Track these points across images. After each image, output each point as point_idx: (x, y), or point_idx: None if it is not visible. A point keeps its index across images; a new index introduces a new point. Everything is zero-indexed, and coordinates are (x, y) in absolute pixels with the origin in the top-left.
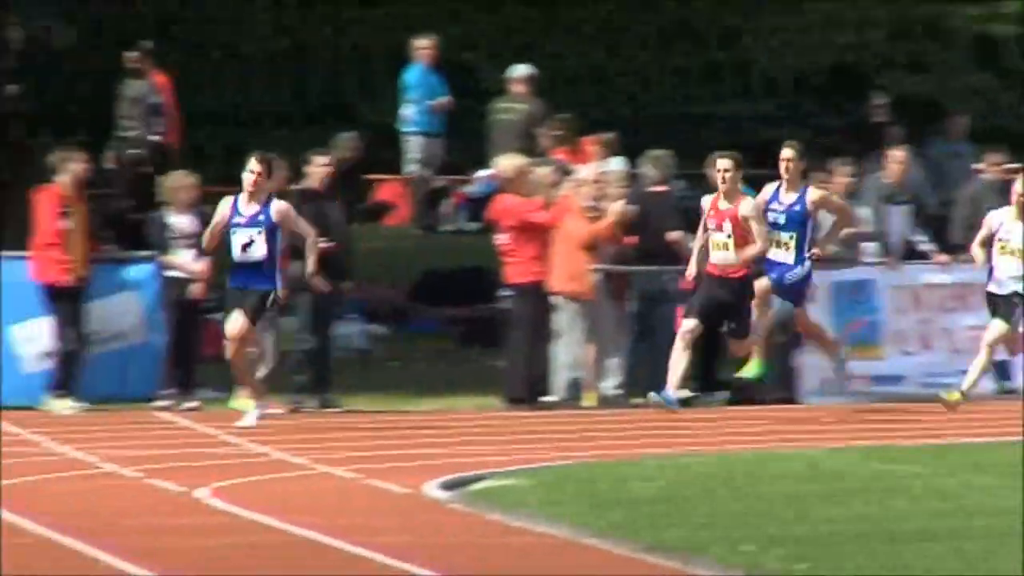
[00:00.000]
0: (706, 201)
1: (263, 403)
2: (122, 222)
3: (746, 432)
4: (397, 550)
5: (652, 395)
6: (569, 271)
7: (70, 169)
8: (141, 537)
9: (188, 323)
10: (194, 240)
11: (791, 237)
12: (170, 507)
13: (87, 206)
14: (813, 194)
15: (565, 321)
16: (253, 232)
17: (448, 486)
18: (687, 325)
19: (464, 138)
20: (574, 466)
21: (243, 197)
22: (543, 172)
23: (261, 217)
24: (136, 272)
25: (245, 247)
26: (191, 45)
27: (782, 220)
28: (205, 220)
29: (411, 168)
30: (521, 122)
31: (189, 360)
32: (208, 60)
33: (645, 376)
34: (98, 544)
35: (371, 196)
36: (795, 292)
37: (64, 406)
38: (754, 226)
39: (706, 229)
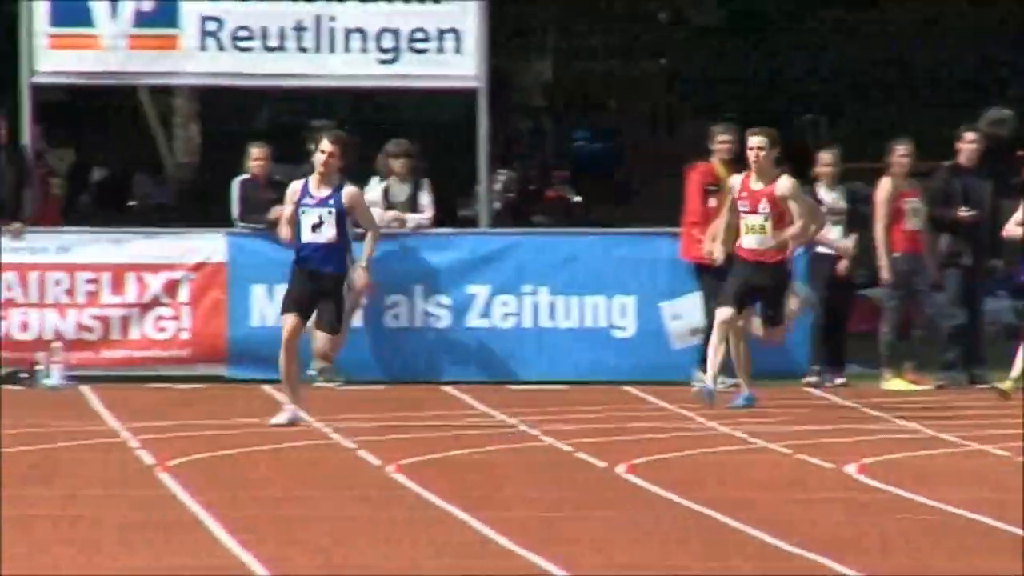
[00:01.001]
0: (735, 181)
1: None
2: None
3: None
4: None
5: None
6: None
7: (720, 145)
8: (787, 512)
9: (838, 299)
10: (842, 216)
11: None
12: (817, 482)
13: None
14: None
15: None
16: (323, 212)
17: None
18: (723, 314)
19: None
20: None
21: (313, 178)
22: None
23: (331, 200)
24: None
25: (315, 228)
26: None
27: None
28: (852, 197)
29: None
30: None
31: (838, 336)
32: None
33: None
34: (742, 518)
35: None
36: None
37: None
38: (795, 206)
39: (734, 211)
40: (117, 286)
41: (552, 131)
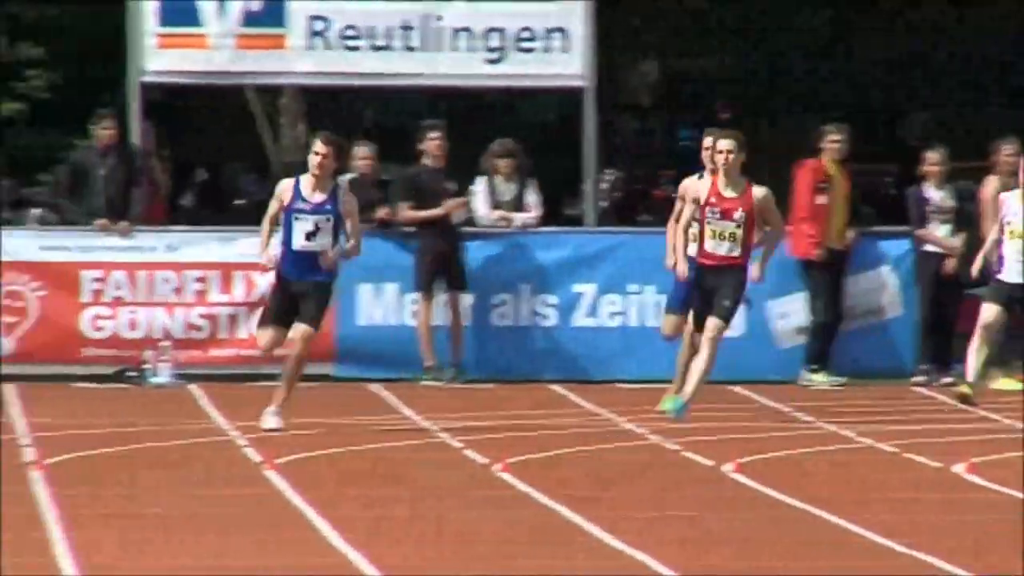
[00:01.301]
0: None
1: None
2: (884, 196)
3: None
4: None
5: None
6: None
7: (831, 144)
8: (895, 511)
9: (945, 298)
10: (950, 215)
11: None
12: (925, 481)
13: (848, 181)
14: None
15: None
16: (320, 220)
17: None
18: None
19: None
20: None
21: (307, 181)
22: None
23: (328, 206)
24: (893, 247)
25: (309, 236)
26: None
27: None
28: (959, 196)
29: None
30: None
31: (946, 335)
32: None
33: None
34: (851, 518)
35: None
36: None
37: (820, 380)
38: (771, 215)
39: (697, 218)
40: (225, 285)
41: (659, 130)
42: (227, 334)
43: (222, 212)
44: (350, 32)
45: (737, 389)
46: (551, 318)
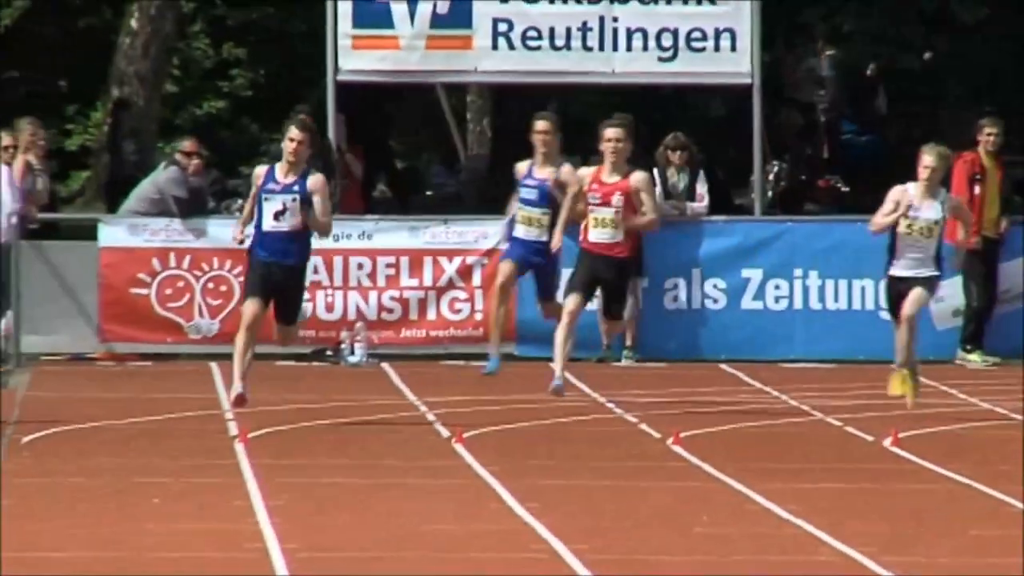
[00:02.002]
0: (585, 173)
1: None
2: None
3: None
4: None
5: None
6: None
7: (986, 137)
8: None
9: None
10: None
11: (543, 213)
12: None
13: (1002, 172)
14: (638, 179)
15: None
16: (287, 199)
17: None
18: (571, 304)
19: None
20: None
21: (281, 166)
22: None
23: (295, 187)
24: None
25: (277, 215)
26: None
27: (534, 196)
28: None
29: None
30: None
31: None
32: None
33: None
34: (1005, 489)
35: None
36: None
37: (975, 360)
38: (647, 200)
39: (583, 202)
40: (415, 270)
41: (822, 127)
42: (417, 316)
43: (413, 202)
44: (532, 33)
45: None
46: (720, 301)
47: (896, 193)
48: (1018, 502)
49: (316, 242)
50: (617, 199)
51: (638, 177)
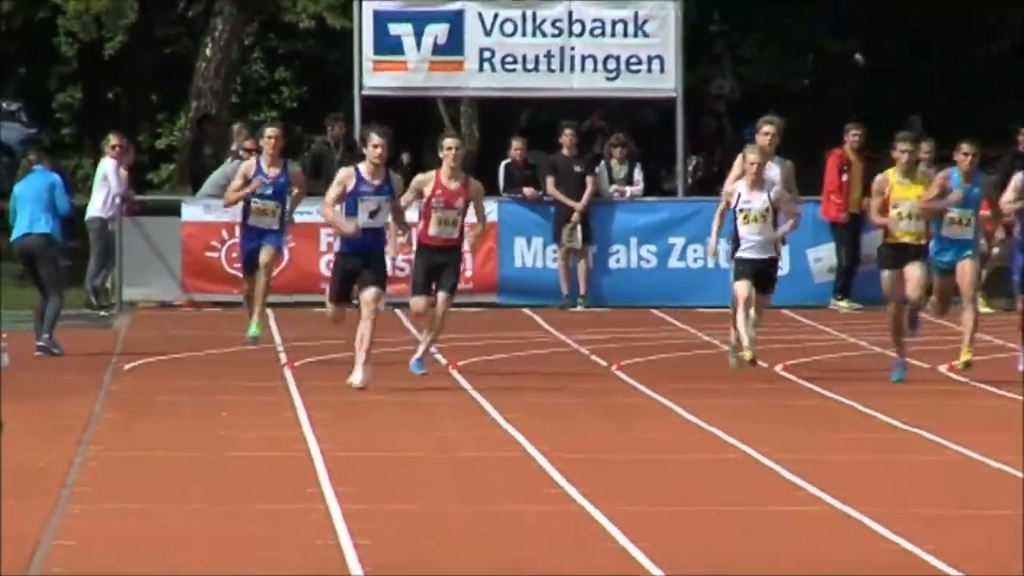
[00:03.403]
0: (427, 178)
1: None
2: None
3: None
4: None
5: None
6: None
7: (851, 137)
8: (891, 395)
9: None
10: None
11: (277, 206)
12: (919, 379)
13: (864, 164)
14: (477, 188)
15: None
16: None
17: None
18: (416, 306)
19: None
20: None
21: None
22: None
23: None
24: None
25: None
26: None
27: (268, 191)
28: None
29: None
30: None
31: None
32: None
33: None
34: (866, 403)
35: None
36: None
37: (844, 306)
38: (480, 204)
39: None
40: None
41: (730, 130)
42: None
43: None
44: (509, 59)
45: (786, 311)
46: (652, 262)
47: (727, 192)
48: (879, 413)
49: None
50: (460, 203)
51: (476, 186)
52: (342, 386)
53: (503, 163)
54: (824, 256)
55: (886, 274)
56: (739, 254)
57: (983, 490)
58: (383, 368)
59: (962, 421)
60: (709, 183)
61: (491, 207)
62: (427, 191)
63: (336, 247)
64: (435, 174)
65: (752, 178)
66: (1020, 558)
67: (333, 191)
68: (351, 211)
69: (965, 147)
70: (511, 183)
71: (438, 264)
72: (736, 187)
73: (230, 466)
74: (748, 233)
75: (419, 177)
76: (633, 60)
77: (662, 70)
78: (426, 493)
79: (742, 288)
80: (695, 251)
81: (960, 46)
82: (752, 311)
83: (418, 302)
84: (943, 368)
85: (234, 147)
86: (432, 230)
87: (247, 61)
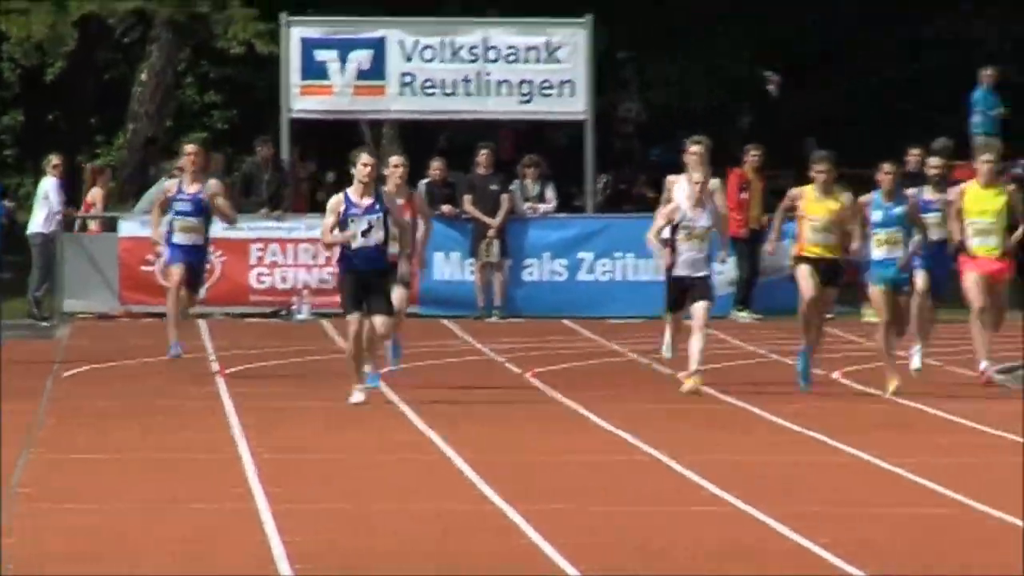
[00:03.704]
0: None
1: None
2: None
3: None
4: None
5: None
6: None
7: (750, 158)
8: (792, 401)
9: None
10: None
11: (200, 222)
12: (823, 382)
13: (763, 182)
14: (209, 188)
15: None
16: (189, 207)
17: None
18: (353, 321)
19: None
20: None
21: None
22: None
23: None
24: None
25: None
26: None
27: (189, 208)
28: None
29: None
30: None
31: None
32: None
33: None
34: (766, 408)
35: None
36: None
37: (744, 316)
38: (427, 211)
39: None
40: None
41: (637, 150)
42: None
43: None
44: (429, 83)
45: (687, 322)
46: (563, 275)
47: (668, 210)
48: (776, 417)
49: (278, 232)
50: (407, 219)
51: (420, 197)
52: (270, 392)
53: (423, 182)
54: (726, 270)
55: (803, 267)
56: (676, 272)
57: (876, 488)
58: (311, 376)
59: (855, 424)
60: (617, 200)
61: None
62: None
63: (339, 269)
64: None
65: (696, 196)
66: (911, 553)
67: (328, 219)
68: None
69: (886, 166)
70: (431, 201)
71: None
72: (680, 204)
73: (165, 468)
74: (687, 250)
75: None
76: (545, 84)
77: (573, 94)
78: (351, 493)
79: (675, 317)
80: (603, 265)
81: (852, 72)
82: (697, 328)
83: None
84: (836, 375)
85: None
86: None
87: (180, 86)
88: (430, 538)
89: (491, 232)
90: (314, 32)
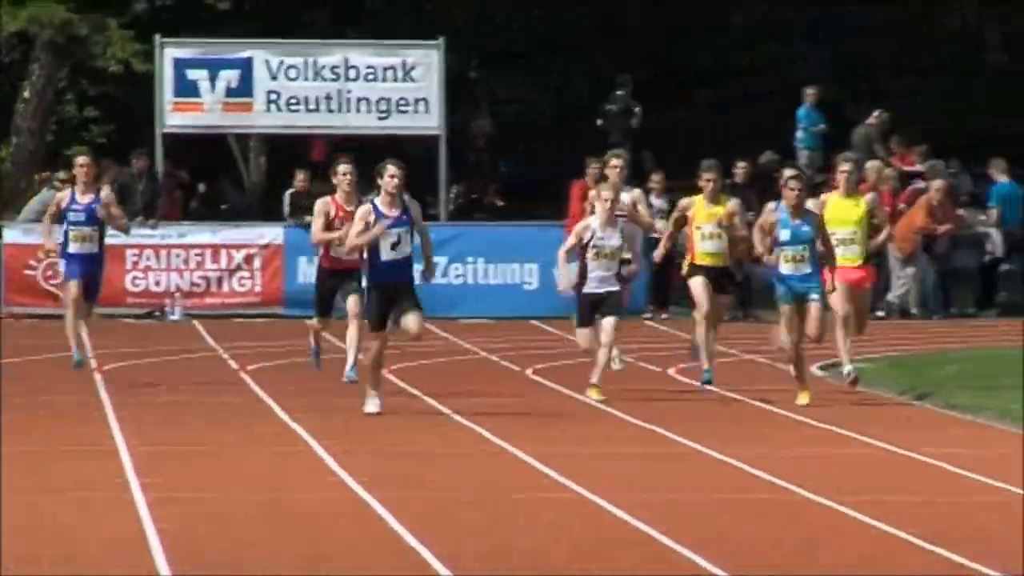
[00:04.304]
0: (326, 203)
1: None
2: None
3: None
4: None
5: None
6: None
7: (592, 169)
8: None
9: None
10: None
11: (94, 230)
12: (633, 377)
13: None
14: (103, 198)
15: None
16: (82, 217)
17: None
18: (315, 324)
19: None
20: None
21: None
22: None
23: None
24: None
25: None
26: None
27: (82, 218)
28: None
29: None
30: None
31: (667, 287)
32: None
33: None
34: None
35: None
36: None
37: None
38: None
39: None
40: (215, 258)
41: (488, 162)
42: (216, 289)
43: (214, 213)
44: (293, 100)
45: (535, 323)
46: (417, 279)
47: (580, 229)
48: (618, 412)
49: (152, 239)
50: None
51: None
52: (146, 388)
53: (288, 192)
54: (570, 275)
55: (697, 279)
56: (587, 289)
57: (709, 477)
58: (183, 373)
59: (692, 419)
60: (468, 210)
61: (277, 231)
62: (331, 214)
63: (364, 281)
64: (331, 199)
65: (606, 215)
66: (747, 535)
67: (356, 226)
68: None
69: (792, 182)
70: (294, 211)
71: (336, 287)
72: (590, 223)
73: (45, 459)
74: (597, 268)
75: (319, 202)
76: (402, 102)
77: (427, 111)
78: (221, 483)
79: (583, 336)
80: (456, 269)
81: (687, 91)
82: (605, 340)
83: (316, 323)
84: (672, 371)
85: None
86: (333, 252)
87: (61, 102)
88: (295, 523)
89: None
90: (186, 53)
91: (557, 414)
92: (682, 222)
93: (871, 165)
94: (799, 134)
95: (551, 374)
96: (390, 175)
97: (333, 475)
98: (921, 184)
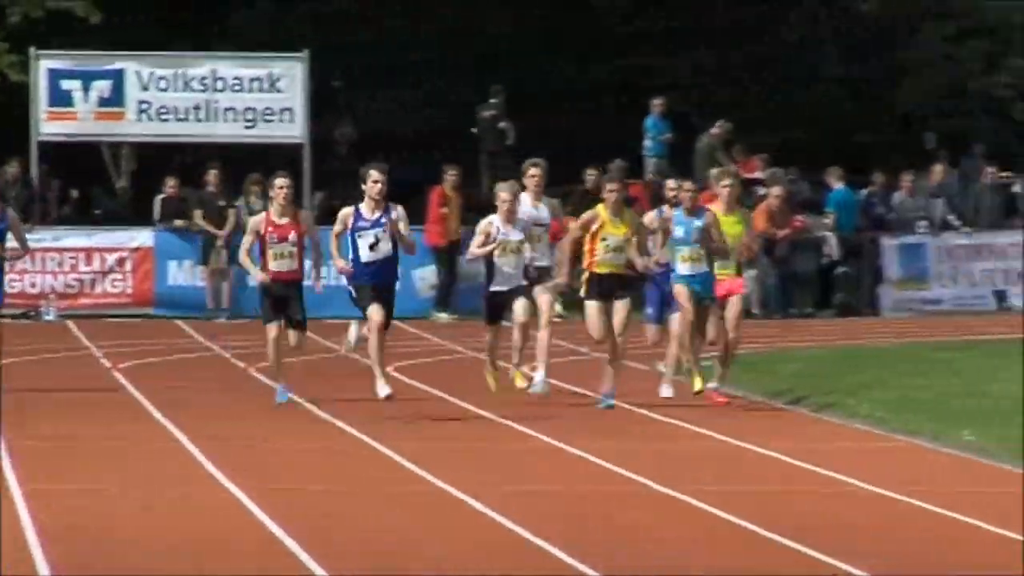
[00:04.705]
0: (259, 219)
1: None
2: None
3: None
4: None
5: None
6: None
7: (449, 177)
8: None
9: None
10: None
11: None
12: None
13: (460, 198)
14: (309, 219)
15: None
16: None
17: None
18: (272, 332)
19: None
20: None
21: (366, 205)
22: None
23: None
24: None
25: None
26: None
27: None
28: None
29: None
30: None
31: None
32: None
33: None
34: (457, 396)
35: None
36: None
37: (444, 316)
38: (317, 235)
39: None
40: (88, 260)
41: (350, 169)
42: (89, 290)
43: (86, 218)
44: (163, 110)
45: (402, 325)
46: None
47: (484, 225)
48: (472, 406)
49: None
50: (293, 237)
51: (306, 215)
52: (29, 384)
53: (159, 197)
54: (427, 275)
55: (592, 305)
56: (493, 287)
57: (565, 470)
58: (59, 369)
59: (542, 414)
60: (332, 213)
61: (148, 235)
62: (260, 231)
63: (347, 281)
64: (265, 215)
65: (506, 214)
66: (601, 525)
67: (336, 227)
68: (353, 246)
69: (687, 184)
70: (165, 214)
71: (284, 296)
72: (492, 220)
73: None
74: (504, 265)
75: (254, 218)
76: (268, 112)
77: (292, 120)
78: (95, 476)
79: (494, 328)
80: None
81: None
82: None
83: (272, 329)
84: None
85: None
86: (273, 264)
87: None
88: (165, 511)
89: (219, 242)
90: (60, 64)
91: (411, 409)
92: (581, 239)
93: (714, 173)
94: (647, 143)
95: (409, 371)
96: (373, 180)
97: (198, 466)
98: (762, 191)
